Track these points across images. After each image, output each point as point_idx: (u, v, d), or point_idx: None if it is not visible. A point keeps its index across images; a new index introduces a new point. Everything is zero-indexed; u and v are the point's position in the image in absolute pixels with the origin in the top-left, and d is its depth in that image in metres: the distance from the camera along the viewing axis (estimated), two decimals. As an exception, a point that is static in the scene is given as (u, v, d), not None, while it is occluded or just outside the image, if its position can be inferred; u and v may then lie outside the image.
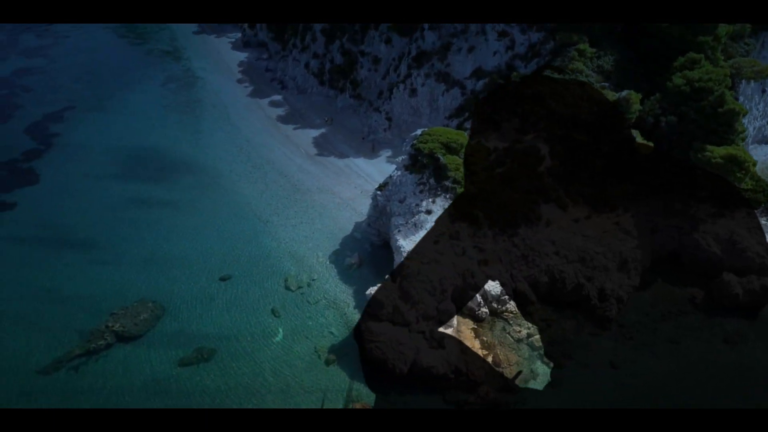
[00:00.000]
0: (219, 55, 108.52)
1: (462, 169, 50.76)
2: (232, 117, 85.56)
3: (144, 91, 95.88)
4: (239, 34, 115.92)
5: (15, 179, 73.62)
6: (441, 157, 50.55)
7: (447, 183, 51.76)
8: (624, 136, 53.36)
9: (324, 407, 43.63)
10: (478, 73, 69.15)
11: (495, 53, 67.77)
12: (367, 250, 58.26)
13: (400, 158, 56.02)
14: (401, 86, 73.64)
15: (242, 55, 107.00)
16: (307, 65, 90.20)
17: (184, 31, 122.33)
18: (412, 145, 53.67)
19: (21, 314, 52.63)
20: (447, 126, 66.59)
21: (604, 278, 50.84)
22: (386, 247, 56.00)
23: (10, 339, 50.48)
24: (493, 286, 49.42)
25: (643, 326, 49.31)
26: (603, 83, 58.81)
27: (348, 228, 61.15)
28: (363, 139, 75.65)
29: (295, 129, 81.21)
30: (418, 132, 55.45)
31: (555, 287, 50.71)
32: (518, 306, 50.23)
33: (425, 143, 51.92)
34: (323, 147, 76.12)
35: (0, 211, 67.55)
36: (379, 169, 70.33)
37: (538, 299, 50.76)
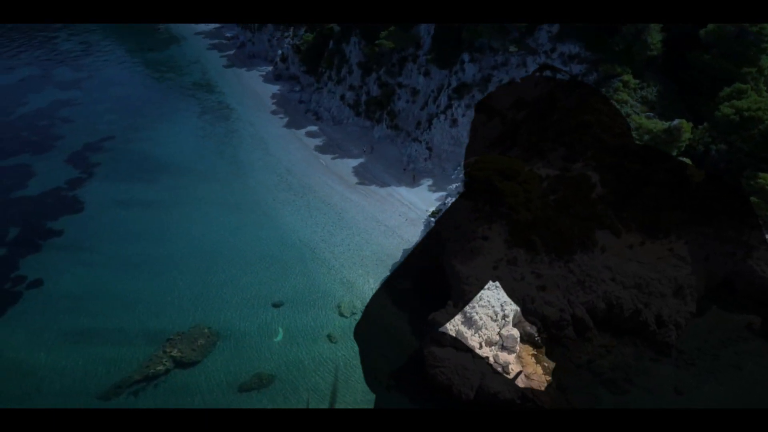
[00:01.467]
0: (251, 87, 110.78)
1: (519, 196, 51.54)
2: (270, 147, 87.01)
3: (181, 122, 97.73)
4: (269, 68, 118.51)
5: (61, 207, 74.72)
6: (498, 184, 51.39)
7: (503, 209, 52.47)
8: (675, 164, 54.18)
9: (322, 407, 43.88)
10: (518, 104, 70.52)
11: (537, 84, 69.28)
12: (418, 276, 58.67)
13: (453, 186, 56.91)
14: (442, 117, 75.10)
15: (274, 88, 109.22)
16: (342, 97, 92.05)
17: (215, 64, 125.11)
18: (467, 173, 54.59)
19: (80, 339, 53.06)
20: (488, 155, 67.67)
21: (661, 304, 51.03)
22: (439, 272, 56.42)
23: (70, 363, 50.79)
24: (551, 312, 49.64)
25: (703, 352, 49.30)
26: (648, 113, 59.96)
27: (396, 255, 61.66)
28: (404, 170, 76.74)
29: (333, 158, 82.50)
30: (471, 160, 56.43)
31: (612, 313, 50.89)
32: (576, 332, 50.33)
33: (480, 170, 52.83)
34: (363, 176, 77.20)
35: (48, 238, 68.61)
36: (422, 197, 71.22)
37: (595, 325, 50.89)
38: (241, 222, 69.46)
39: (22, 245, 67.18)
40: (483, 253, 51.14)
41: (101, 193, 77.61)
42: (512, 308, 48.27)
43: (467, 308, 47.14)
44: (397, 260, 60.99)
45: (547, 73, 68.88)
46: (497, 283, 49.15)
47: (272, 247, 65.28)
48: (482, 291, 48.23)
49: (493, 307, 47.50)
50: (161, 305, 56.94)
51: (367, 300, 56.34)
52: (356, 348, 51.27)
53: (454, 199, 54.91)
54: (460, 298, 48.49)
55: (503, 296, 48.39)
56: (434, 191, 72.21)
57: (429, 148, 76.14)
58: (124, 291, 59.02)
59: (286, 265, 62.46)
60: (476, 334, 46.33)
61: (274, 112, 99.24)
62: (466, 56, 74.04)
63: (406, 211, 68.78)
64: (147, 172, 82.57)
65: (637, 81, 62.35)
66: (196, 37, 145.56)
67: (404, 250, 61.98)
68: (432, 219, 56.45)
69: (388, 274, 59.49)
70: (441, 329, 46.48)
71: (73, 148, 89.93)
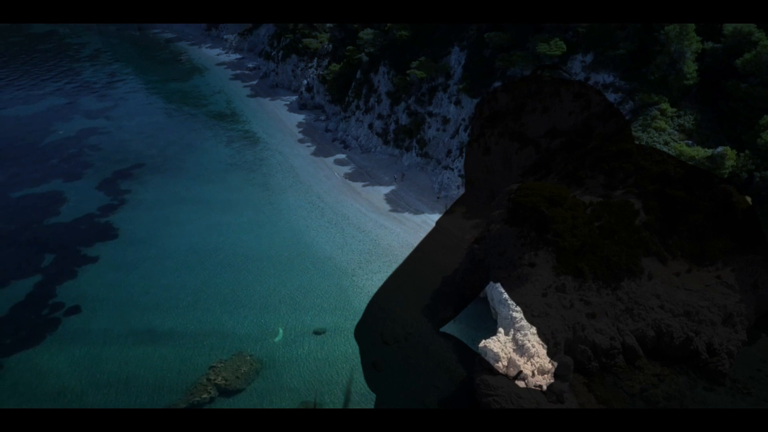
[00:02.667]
0: (276, 116, 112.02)
1: (567, 223, 51.45)
2: (300, 175, 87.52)
3: (209, 150, 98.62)
4: (293, 97, 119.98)
5: (95, 233, 74.97)
6: (545, 211, 51.36)
7: (549, 236, 52.33)
8: (719, 191, 54.14)
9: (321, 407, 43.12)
10: (553, 132, 70.99)
11: (571, 113, 69.83)
12: (458, 302, 58.26)
13: (497, 212, 56.90)
14: (475, 145, 75.55)
15: (300, 117, 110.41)
16: (370, 125, 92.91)
17: (239, 94, 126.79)
18: (511, 199, 54.65)
19: (121, 367, 52.60)
20: (522, 183, 67.84)
21: (711, 332, 50.41)
22: (481, 299, 56.05)
23: (112, 392, 50.22)
24: (602, 340, 49.07)
25: (757, 381, 48.47)
26: (687, 141, 60.22)
27: (436, 281, 61.32)
28: (438, 198, 76.96)
29: (364, 186, 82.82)
30: (514, 187, 56.57)
31: (662, 341, 50.27)
32: (627, 360, 49.68)
33: (526, 197, 52.88)
34: (396, 203, 77.37)
35: (83, 265, 68.63)
36: (456, 224, 71.14)
37: (645, 353, 50.25)
38: (278, 251, 69.37)
39: (58, 272, 67.18)
40: (531, 280, 50.82)
41: (134, 219, 77.93)
42: (563, 336, 47.77)
43: (518, 335, 46.65)
44: (437, 287, 60.63)
45: (582, 101, 69.48)
46: (548, 311, 48.74)
47: (311, 275, 65.03)
48: (533, 318, 47.80)
49: (544, 334, 47.00)
50: (201, 333, 56.59)
51: (410, 327, 55.87)
52: (402, 377, 50.60)
53: (499, 226, 54.80)
54: (511, 325, 48.03)
55: (554, 323, 47.92)
56: (468, 218, 72.16)
57: (461, 176, 76.40)
58: (162, 319, 58.76)
59: (326, 292, 62.20)
60: (528, 362, 45.75)
61: (301, 141, 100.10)
62: (498, 85, 74.86)
63: (441, 238, 68.65)
64: (177, 199, 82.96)
65: (674, 109, 62.79)
66: (218, 67, 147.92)
67: (444, 276, 61.64)
68: (476, 246, 56.31)
69: (429, 301, 59.09)
70: (492, 357, 45.93)
71: (103, 176, 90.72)
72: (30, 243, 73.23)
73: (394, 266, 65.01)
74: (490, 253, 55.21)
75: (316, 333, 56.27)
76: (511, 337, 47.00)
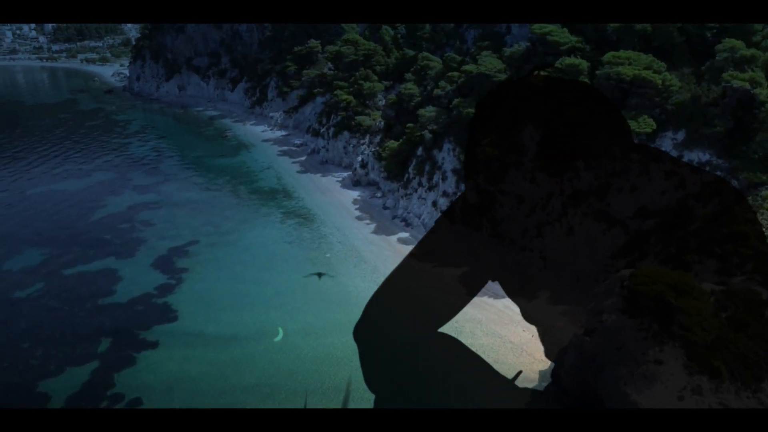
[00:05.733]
0: (330, 193, 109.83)
1: (700, 314, 46.11)
2: (363, 254, 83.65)
3: (264, 227, 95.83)
4: (344, 173, 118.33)
5: (152, 315, 70.87)
6: (673, 301, 46.19)
7: (674, 329, 46.82)
8: None
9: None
10: (643, 213, 66.66)
11: (663, 193, 65.77)
12: (561, 398, 52.08)
13: (609, 301, 51.77)
14: (556, 225, 71.35)
15: (354, 194, 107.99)
16: (434, 203, 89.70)
17: (288, 170, 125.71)
18: (626, 287, 49.66)
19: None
20: (611, 266, 62.99)
21: None
22: (594, 397, 49.90)
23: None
24: (751, 454, 42.47)
25: None
26: (806, 223, 55.44)
27: (532, 376, 55.36)
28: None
29: (434, 267, 78.23)
30: (625, 273, 51.72)
31: (819, 456, 43.44)
32: (780, 478, 42.80)
33: (646, 284, 47.86)
34: (472, 286, 72.49)
35: (142, 350, 64.08)
36: (543, 311, 65.74)
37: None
38: (342, 333, 64.30)
39: (117, 359, 62.61)
40: (661, 380, 44.80)
41: (192, 300, 73.95)
42: (709, 449, 41.33)
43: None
44: (536, 383, 54.63)
45: (676, 180, 65.63)
46: (686, 418, 42.60)
47: (388, 361, 59.56)
48: (672, 427, 41.64)
49: (688, 447, 40.67)
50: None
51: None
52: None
53: (615, 317, 49.56)
54: (648, 435, 41.82)
55: (696, 434, 41.64)
56: (554, 303, 66.48)
57: (543, 258, 71.69)
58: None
59: (405, 384, 56.48)
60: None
61: (359, 218, 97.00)
62: (580, 162, 71.53)
63: (528, 326, 63.13)
64: (237, 278, 79.22)
65: (787, 189, 58.53)
66: (265, 144, 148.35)
67: (540, 371, 55.75)
68: (587, 338, 50.89)
69: (530, 399, 52.94)
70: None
71: (157, 253, 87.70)
72: (85, 326, 69.19)
73: (484, 356, 59.32)
74: (604, 346, 49.60)
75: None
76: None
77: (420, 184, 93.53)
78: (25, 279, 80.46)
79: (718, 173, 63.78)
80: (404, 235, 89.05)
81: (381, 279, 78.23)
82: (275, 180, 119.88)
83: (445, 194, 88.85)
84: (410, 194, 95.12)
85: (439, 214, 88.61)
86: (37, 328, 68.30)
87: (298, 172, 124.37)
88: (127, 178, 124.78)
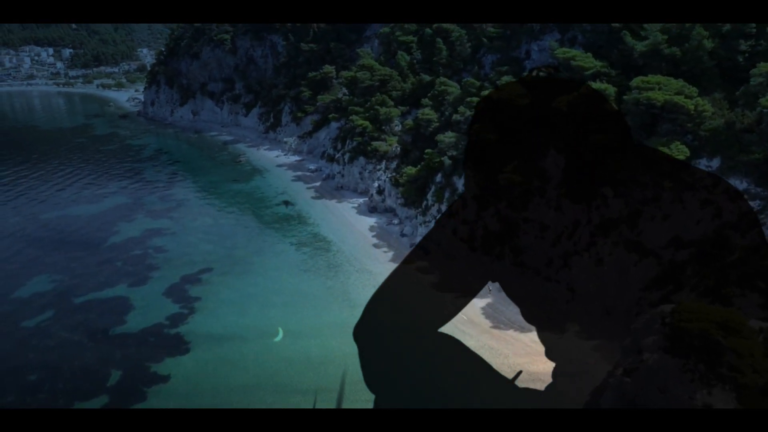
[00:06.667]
0: (346, 219, 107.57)
1: (754, 355, 42.88)
2: (381, 283, 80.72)
3: (279, 254, 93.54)
4: (360, 199, 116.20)
5: (164, 347, 68.28)
6: (722, 340, 43.04)
7: (723, 370, 43.58)
8: None
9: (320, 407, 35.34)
10: (677, 243, 63.71)
11: (699, 222, 62.91)
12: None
13: (650, 339, 48.64)
14: (585, 255, 68.48)
15: (371, 220, 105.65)
16: (454, 231, 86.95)
17: (303, 196, 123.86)
18: (668, 324, 46.56)
19: None
20: (644, 298, 59.93)
21: None
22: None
23: None
24: None
25: None
26: None
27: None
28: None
29: (456, 298, 75.32)
30: (667, 308, 48.70)
31: None
32: None
33: (692, 322, 44.75)
34: (496, 319, 69.45)
35: (153, 384, 61.44)
36: (574, 345, 62.51)
37: None
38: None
39: (127, 393, 60.02)
40: (710, 427, 41.58)
41: (205, 331, 71.31)
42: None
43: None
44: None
45: (712, 209, 62.78)
46: (741, 470, 39.06)
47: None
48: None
49: (746, 503, 37.15)
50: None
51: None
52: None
53: (657, 356, 46.47)
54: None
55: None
56: (584, 338, 63.15)
57: (570, 289, 68.64)
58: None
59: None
60: None
61: (376, 246, 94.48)
62: (608, 190, 68.92)
63: (562, 364, 59.81)
64: (250, 309, 76.64)
65: (832, 220, 55.47)
66: (279, 169, 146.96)
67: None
68: (627, 379, 47.75)
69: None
70: None
71: (170, 280, 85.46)
72: (95, 356, 66.74)
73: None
74: (645, 388, 46.38)
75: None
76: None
77: (439, 210, 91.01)
78: (35, 307, 78.40)
79: (757, 202, 60.89)
80: (423, 264, 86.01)
81: (403, 308, 75.11)
82: (290, 206, 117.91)
83: (465, 222, 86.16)
84: (429, 221, 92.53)
85: (459, 242, 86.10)
86: (44, 359, 65.89)
87: (312, 197, 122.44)
88: (141, 203, 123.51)
